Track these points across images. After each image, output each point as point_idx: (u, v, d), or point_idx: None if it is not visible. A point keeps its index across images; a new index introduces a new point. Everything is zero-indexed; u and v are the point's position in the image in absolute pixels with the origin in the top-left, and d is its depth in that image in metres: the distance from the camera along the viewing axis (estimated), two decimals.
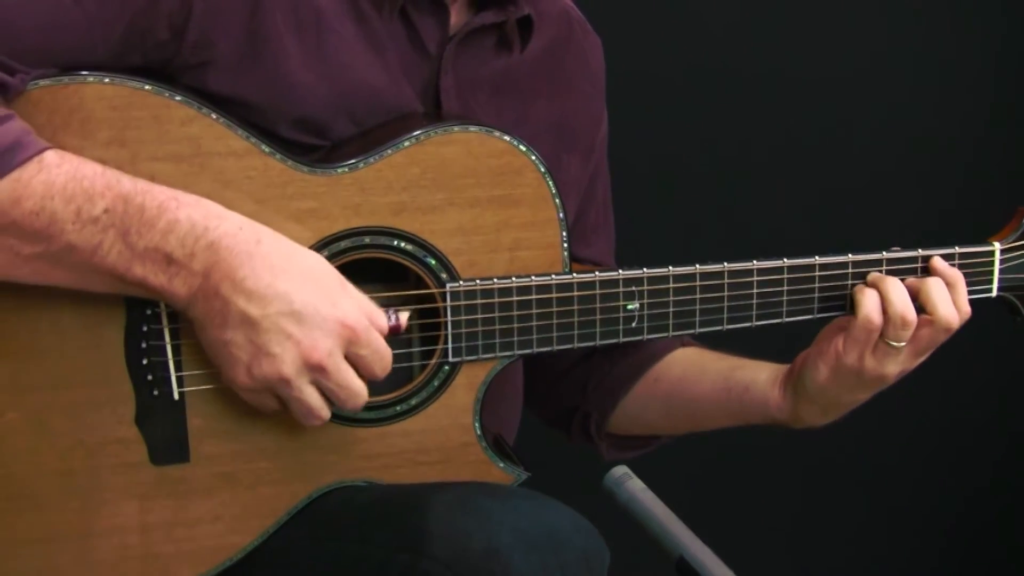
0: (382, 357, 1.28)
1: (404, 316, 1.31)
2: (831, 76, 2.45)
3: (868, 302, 1.41)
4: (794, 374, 1.49)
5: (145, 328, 1.29)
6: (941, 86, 2.52)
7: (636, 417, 1.63)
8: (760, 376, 1.53)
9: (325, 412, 1.28)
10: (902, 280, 1.43)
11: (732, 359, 1.57)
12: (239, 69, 1.32)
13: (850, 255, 1.45)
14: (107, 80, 1.24)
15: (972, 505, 2.74)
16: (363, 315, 1.26)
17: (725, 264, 1.41)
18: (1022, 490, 2.73)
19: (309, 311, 1.23)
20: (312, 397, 1.26)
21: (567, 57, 1.57)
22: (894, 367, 1.42)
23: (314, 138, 1.37)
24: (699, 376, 1.57)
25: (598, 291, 1.38)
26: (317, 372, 1.25)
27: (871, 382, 1.44)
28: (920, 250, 1.47)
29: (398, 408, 1.37)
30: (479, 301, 1.35)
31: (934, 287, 1.42)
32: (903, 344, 1.41)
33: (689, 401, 1.59)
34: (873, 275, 1.44)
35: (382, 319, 1.28)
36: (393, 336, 1.29)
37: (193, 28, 1.29)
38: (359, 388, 1.27)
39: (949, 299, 1.42)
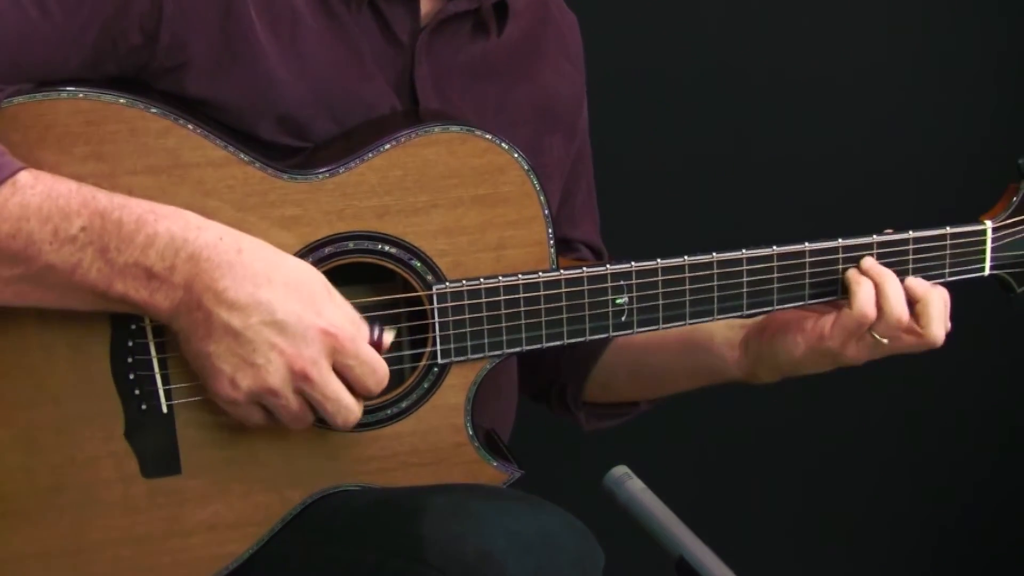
0: (374, 370, 1.26)
1: (388, 336, 1.29)
2: (819, 66, 2.42)
3: (863, 294, 1.40)
4: (763, 339, 1.48)
5: (130, 343, 1.28)
6: (939, 79, 2.49)
7: (606, 385, 1.64)
8: (717, 336, 1.53)
9: (309, 416, 1.27)
10: (901, 279, 1.42)
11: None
12: (216, 70, 1.30)
13: (840, 239, 1.43)
14: (82, 95, 1.23)
15: (973, 505, 2.73)
16: (349, 323, 1.25)
17: (714, 254, 1.40)
18: (1022, 487, 2.72)
19: (292, 320, 1.22)
20: (298, 406, 1.26)
21: (544, 37, 1.56)
22: (872, 356, 1.43)
23: (295, 139, 1.36)
24: (661, 341, 1.57)
25: (586, 287, 1.37)
26: (302, 381, 1.24)
27: (844, 363, 1.44)
28: (911, 232, 1.45)
29: (389, 411, 1.36)
30: (466, 302, 1.34)
31: (935, 303, 1.42)
32: (888, 341, 1.40)
33: (653, 366, 1.59)
34: (868, 262, 1.43)
35: (365, 332, 1.27)
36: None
37: (165, 31, 1.27)
38: (348, 402, 1.26)
39: (944, 319, 1.42)
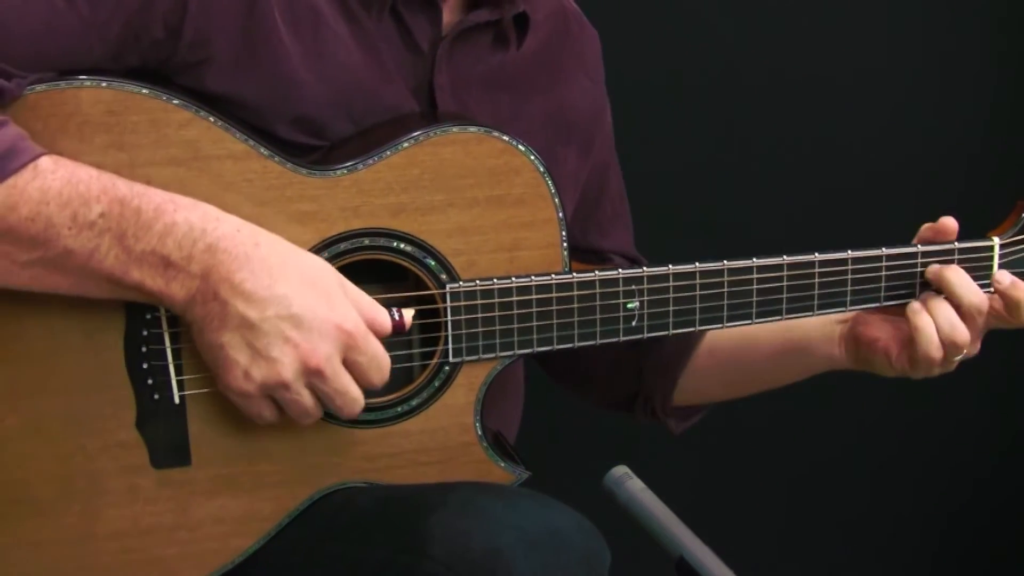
0: (380, 366, 1.28)
1: (408, 314, 1.31)
2: (831, 75, 2.44)
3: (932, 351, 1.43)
4: (859, 349, 1.50)
5: (145, 333, 1.28)
6: (940, 85, 2.51)
7: (696, 390, 1.64)
8: (813, 336, 1.53)
9: (319, 412, 1.28)
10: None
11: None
12: (237, 67, 1.31)
13: (849, 251, 1.45)
14: (104, 84, 1.23)
15: (974, 506, 2.74)
16: (361, 320, 1.26)
17: (725, 262, 1.41)
18: (1020, 488, 2.74)
19: (308, 315, 1.23)
20: (308, 400, 1.26)
21: (563, 51, 1.57)
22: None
23: (312, 138, 1.36)
24: (752, 343, 1.57)
25: (598, 290, 1.38)
26: (315, 376, 1.24)
27: None
28: (919, 246, 1.47)
29: (399, 409, 1.37)
30: (479, 301, 1.35)
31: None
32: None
33: (747, 369, 1.60)
34: (915, 307, 1.44)
35: (385, 318, 1.28)
36: (395, 336, 1.29)
37: (189, 26, 1.28)
38: (356, 395, 1.27)
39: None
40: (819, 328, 1.52)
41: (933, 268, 1.46)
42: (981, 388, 2.59)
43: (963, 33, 2.50)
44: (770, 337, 1.54)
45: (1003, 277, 1.46)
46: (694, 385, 1.63)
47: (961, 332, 1.43)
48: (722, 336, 1.59)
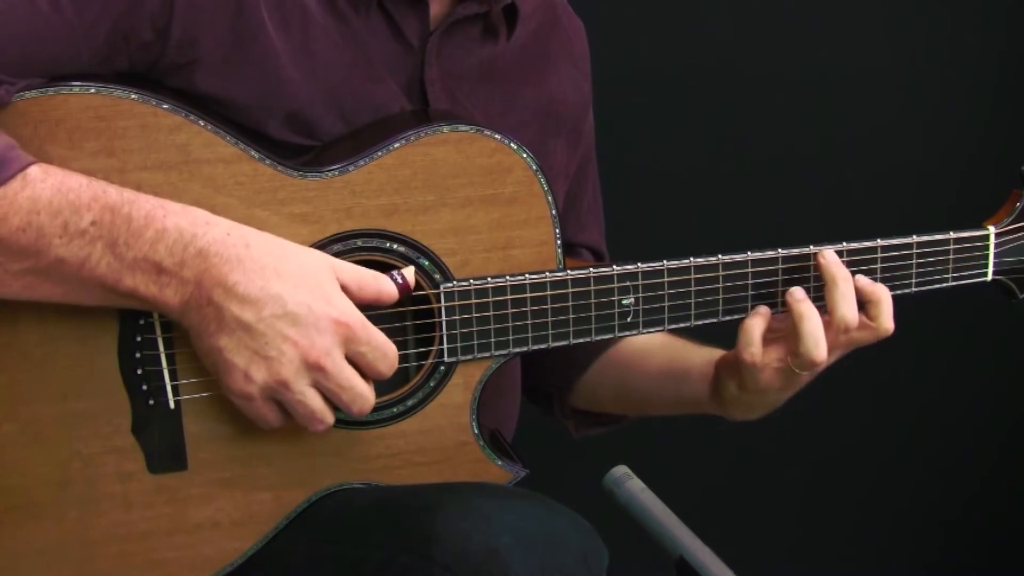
0: (385, 354, 1.27)
1: (409, 272, 1.30)
2: (823, 68, 2.44)
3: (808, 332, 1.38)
4: (721, 377, 1.47)
5: (139, 338, 1.28)
6: (939, 80, 2.50)
7: (590, 397, 1.64)
8: (693, 368, 1.51)
9: (329, 416, 1.27)
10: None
11: (678, 344, 1.56)
12: (226, 67, 1.31)
13: (844, 243, 1.44)
14: (93, 90, 1.23)
15: (974, 507, 2.74)
16: (358, 312, 1.25)
17: (720, 256, 1.41)
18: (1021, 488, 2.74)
19: (303, 311, 1.23)
20: (314, 400, 1.25)
21: (552, 42, 1.57)
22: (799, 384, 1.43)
23: (304, 138, 1.36)
24: (643, 364, 1.57)
25: (592, 287, 1.38)
26: (316, 372, 1.24)
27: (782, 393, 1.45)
28: (915, 236, 1.46)
29: (395, 409, 1.37)
30: (473, 301, 1.35)
31: (886, 301, 1.40)
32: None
33: (636, 388, 1.59)
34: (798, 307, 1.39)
35: (390, 285, 1.28)
36: (403, 296, 1.29)
37: (176, 27, 1.28)
38: (363, 389, 1.27)
39: (851, 301, 1.39)
40: (703, 356, 1.50)
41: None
42: (982, 387, 2.59)
43: (955, 25, 2.49)
44: (659, 362, 1.53)
45: (798, 292, 1.39)
46: (589, 391, 1.62)
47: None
48: (624, 348, 1.58)
